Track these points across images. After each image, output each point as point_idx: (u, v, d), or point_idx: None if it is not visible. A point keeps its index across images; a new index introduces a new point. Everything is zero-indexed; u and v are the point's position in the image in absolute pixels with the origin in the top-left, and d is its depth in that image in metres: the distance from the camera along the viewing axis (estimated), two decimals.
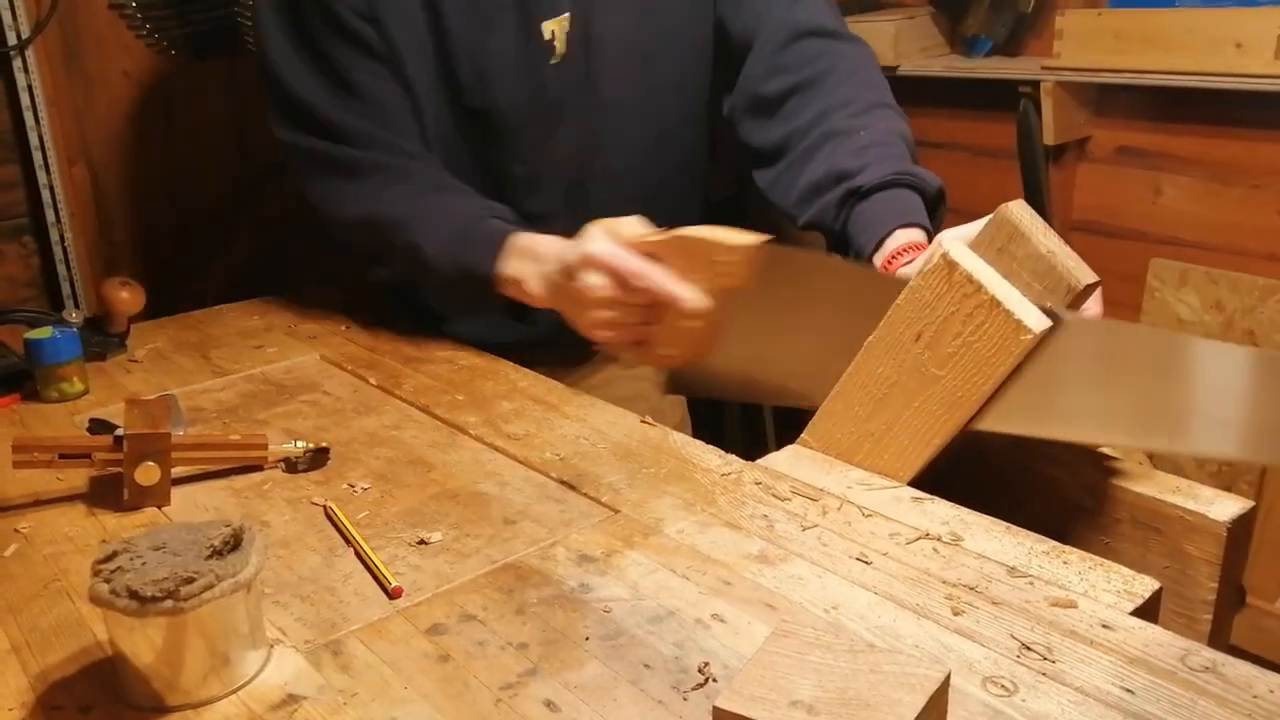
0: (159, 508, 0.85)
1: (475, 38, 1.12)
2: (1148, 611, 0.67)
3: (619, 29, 1.17)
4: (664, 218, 0.93)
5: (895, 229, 0.98)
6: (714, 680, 0.61)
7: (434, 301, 1.22)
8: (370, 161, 1.13)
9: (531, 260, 1.02)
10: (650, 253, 0.90)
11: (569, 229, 0.98)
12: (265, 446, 0.91)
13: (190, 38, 1.61)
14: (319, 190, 1.18)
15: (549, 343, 1.23)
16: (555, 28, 1.13)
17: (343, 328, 1.29)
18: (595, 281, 0.91)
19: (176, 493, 0.87)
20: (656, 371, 1.32)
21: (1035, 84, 1.79)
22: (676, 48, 1.22)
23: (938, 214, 1.04)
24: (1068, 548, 0.73)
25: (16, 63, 1.45)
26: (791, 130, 1.13)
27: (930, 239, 0.98)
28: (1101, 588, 0.68)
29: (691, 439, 0.94)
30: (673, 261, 0.89)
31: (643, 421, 0.98)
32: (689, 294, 0.87)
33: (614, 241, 0.91)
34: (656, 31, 1.19)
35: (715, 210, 1.21)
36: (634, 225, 0.93)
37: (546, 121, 1.17)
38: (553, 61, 1.14)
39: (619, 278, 0.90)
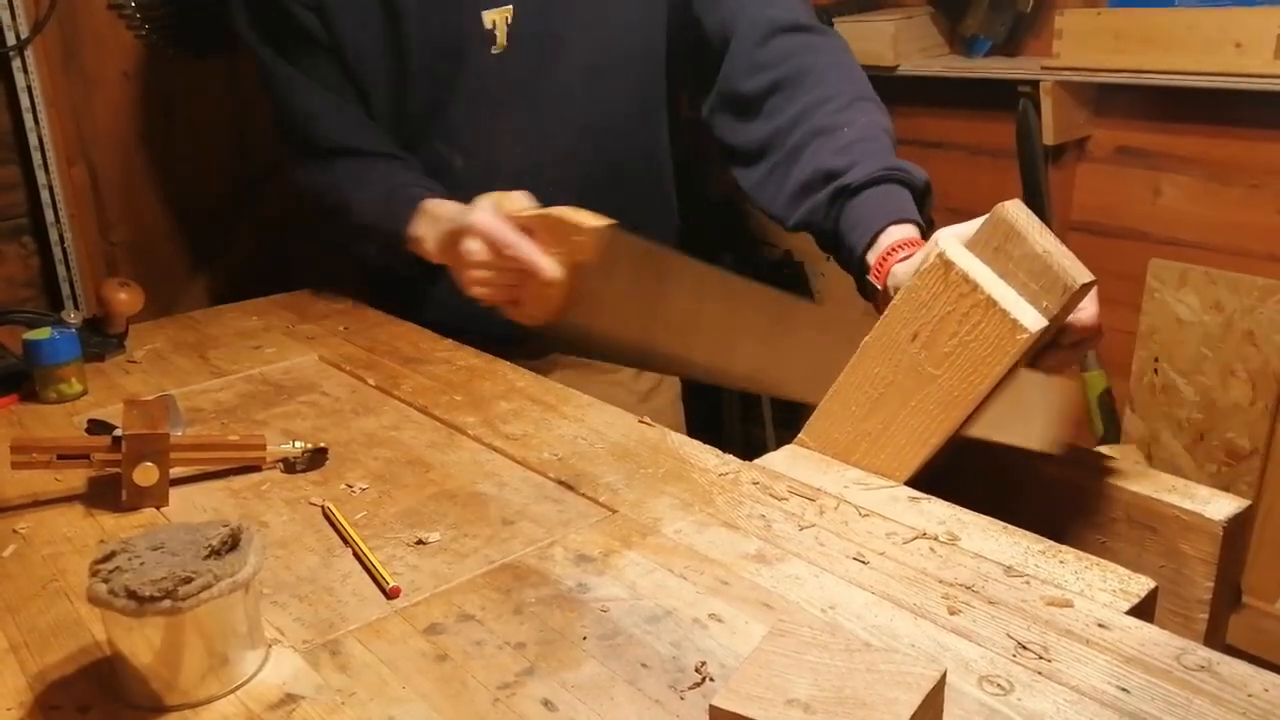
0: (157, 508, 0.86)
1: (423, 22, 1.17)
2: (1143, 611, 0.67)
3: (564, 25, 1.18)
4: (625, 214, 1.00)
5: (887, 225, 0.98)
6: (711, 679, 0.61)
7: (356, 253, 1.34)
8: (325, 143, 1.26)
9: (431, 222, 1.15)
10: (524, 226, 1.02)
11: None
12: (263, 447, 0.91)
13: (190, 38, 1.61)
14: (294, 170, 1.32)
15: (515, 341, 1.24)
16: (496, 18, 1.16)
17: (341, 328, 1.30)
18: (473, 247, 1.04)
19: (175, 493, 0.87)
20: (637, 380, 1.36)
21: (1034, 84, 1.79)
22: (627, 47, 1.23)
23: (925, 207, 1.04)
24: (1064, 547, 0.73)
25: (16, 63, 1.45)
26: (775, 129, 1.13)
27: (922, 234, 0.98)
28: (1097, 587, 0.68)
29: (689, 439, 0.94)
30: (540, 235, 1.02)
31: (640, 421, 0.98)
32: (548, 264, 1.00)
33: (495, 213, 1.03)
34: (605, 30, 1.20)
35: (713, 209, 1.21)
36: (519, 200, 1.05)
37: (487, 112, 1.20)
38: (493, 51, 1.16)
39: (493, 245, 1.02)
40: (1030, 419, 0.80)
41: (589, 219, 1.00)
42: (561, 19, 1.18)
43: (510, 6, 1.16)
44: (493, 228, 1.02)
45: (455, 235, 1.06)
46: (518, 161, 1.23)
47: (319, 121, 1.25)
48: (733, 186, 1.21)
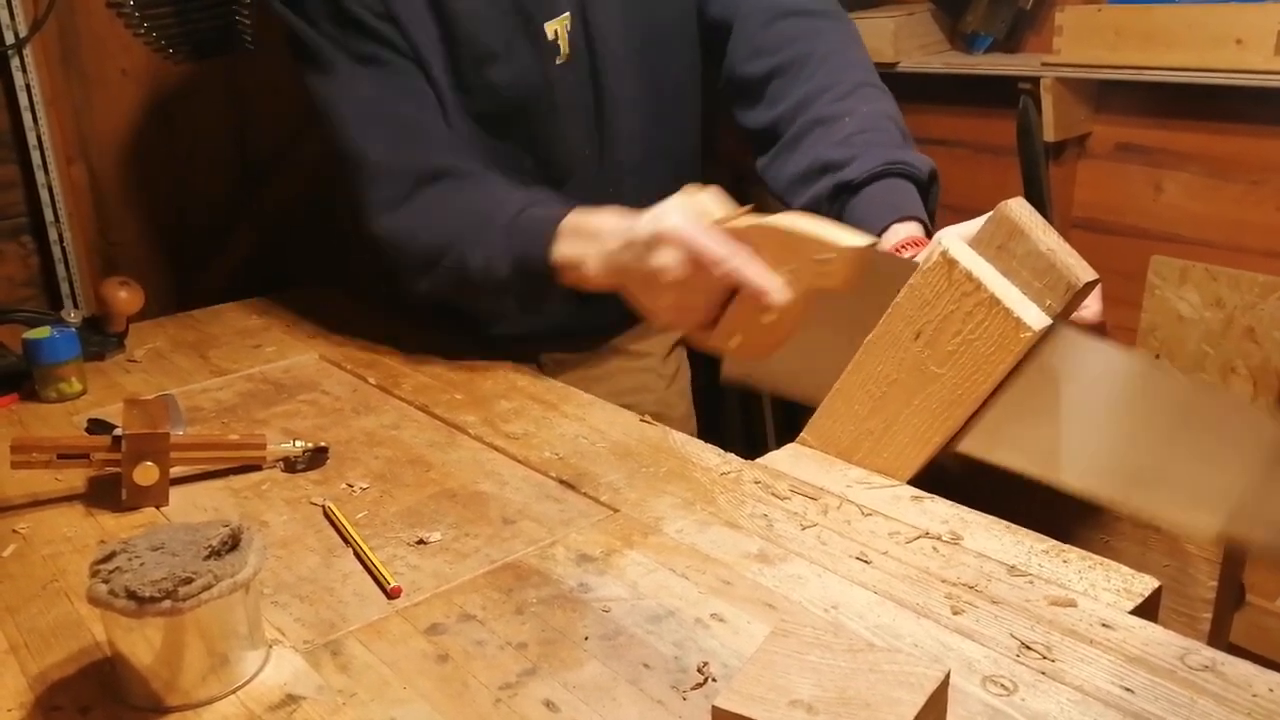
0: (157, 508, 0.85)
1: (482, 41, 1.11)
2: (1147, 610, 0.67)
3: (615, 23, 1.17)
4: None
5: (891, 224, 0.97)
6: (713, 680, 0.61)
7: (486, 312, 1.18)
8: (416, 167, 1.09)
9: (589, 239, 0.95)
10: (739, 236, 0.81)
11: None
12: (264, 446, 0.91)
13: (189, 37, 1.61)
14: (374, 219, 1.12)
15: (557, 333, 1.23)
16: (558, 28, 1.13)
17: (342, 327, 1.29)
18: (668, 261, 0.82)
19: (175, 493, 0.87)
20: (665, 363, 1.31)
21: (1035, 80, 1.78)
22: (672, 38, 1.22)
23: (931, 197, 1.03)
24: (1067, 546, 0.73)
25: (14, 62, 1.45)
26: (777, 115, 1.12)
27: (926, 229, 0.98)
28: (1101, 586, 0.68)
29: (691, 438, 0.94)
30: (759, 250, 0.80)
31: (642, 420, 0.98)
32: (777, 288, 0.77)
33: (693, 219, 0.82)
34: (651, 23, 1.19)
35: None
36: (716, 203, 0.84)
37: (554, 120, 1.17)
38: (558, 62, 1.14)
39: (696, 260, 0.80)
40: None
41: (842, 235, 0.77)
42: (606, 16, 1.17)
43: (568, 14, 1.13)
44: (699, 238, 0.80)
45: (638, 249, 0.86)
46: (593, 159, 1.19)
47: (406, 143, 1.09)
48: (729, 181, 1.21)
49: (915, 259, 0.91)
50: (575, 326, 1.23)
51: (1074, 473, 0.77)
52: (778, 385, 0.95)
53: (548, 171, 1.18)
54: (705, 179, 0.88)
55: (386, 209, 1.08)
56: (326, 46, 1.09)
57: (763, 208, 0.84)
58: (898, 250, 0.96)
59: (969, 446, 0.81)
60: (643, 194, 0.95)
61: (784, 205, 1.14)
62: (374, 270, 1.32)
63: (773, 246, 0.79)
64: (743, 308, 0.80)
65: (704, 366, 1.44)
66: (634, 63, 1.19)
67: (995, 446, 0.80)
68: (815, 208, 1.07)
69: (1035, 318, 0.76)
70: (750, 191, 1.28)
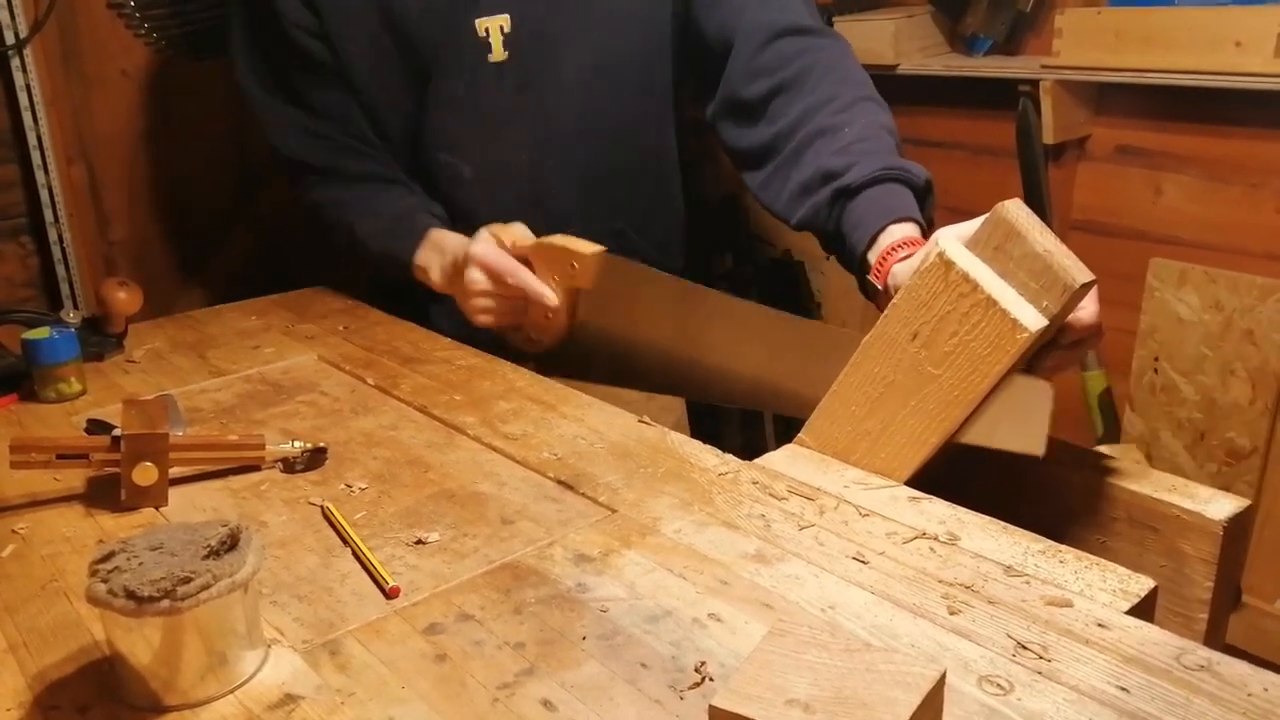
0: (156, 508, 0.85)
1: (421, 31, 1.16)
2: (1143, 610, 0.67)
3: (565, 30, 1.18)
4: (633, 221, 1.00)
5: (888, 225, 0.98)
6: (711, 679, 0.61)
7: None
8: (334, 171, 1.28)
9: (436, 252, 1.18)
10: (523, 255, 1.08)
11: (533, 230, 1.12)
12: (263, 447, 0.91)
13: (189, 38, 1.61)
14: (297, 184, 1.34)
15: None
16: (490, 26, 1.15)
17: (340, 328, 1.30)
18: (476, 277, 1.09)
19: (174, 493, 0.87)
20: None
21: (1034, 83, 1.78)
22: (629, 50, 1.23)
23: (927, 205, 1.04)
24: (1064, 547, 0.73)
25: (14, 62, 1.45)
26: (776, 132, 1.13)
27: (922, 232, 0.98)
28: (1097, 587, 0.68)
29: (689, 438, 0.94)
30: (539, 264, 1.08)
31: (640, 421, 0.98)
32: (547, 292, 1.06)
33: (495, 244, 1.08)
34: (606, 33, 1.20)
35: (713, 214, 1.22)
36: (517, 230, 1.10)
37: (491, 121, 1.20)
38: (491, 60, 1.16)
39: (494, 275, 1.08)
40: (1019, 422, 0.80)
41: (584, 246, 1.05)
42: (562, 23, 1.18)
43: (507, 15, 1.16)
44: (493, 258, 1.07)
45: (458, 266, 1.11)
46: (525, 169, 1.23)
47: (324, 146, 1.27)
48: (733, 186, 1.22)
49: (911, 260, 0.91)
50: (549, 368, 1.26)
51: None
52: (585, 373, 1.15)
53: (486, 179, 1.25)
54: (679, 193, 1.04)
55: (304, 182, 1.32)
56: (251, 80, 1.28)
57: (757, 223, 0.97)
58: (893, 250, 0.96)
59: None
60: (591, 204, 1.08)
61: (781, 221, 1.15)
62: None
63: (545, 261, 1.08)
64: (533, 311, 1.09)
65: None
66: (583, 76, 1.21)
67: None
68: (815, 216, 1.08)
69: (1032, 319, 0.76)
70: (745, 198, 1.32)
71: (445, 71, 1.19)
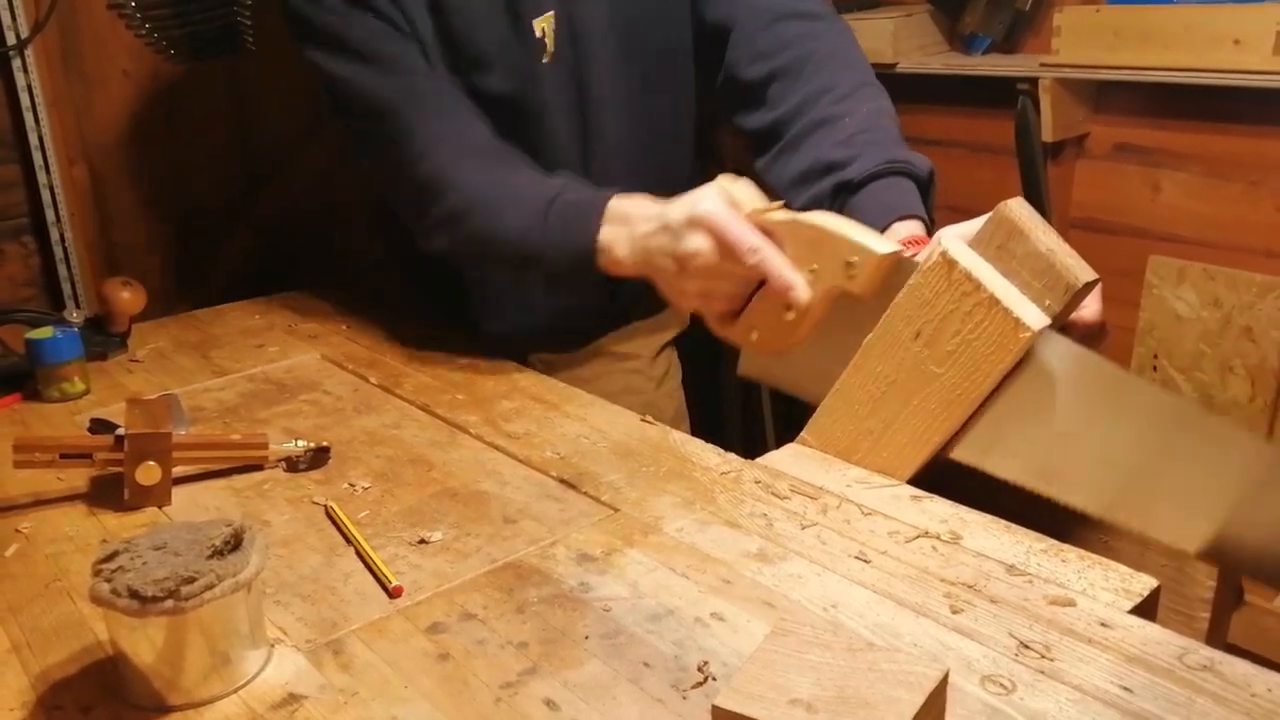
0: (160, 507, 0.86)
1: (472, 34, 1.12)
2: (1146, 610, 0.67)
3: (599, 23, 1.17)
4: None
5: (892, 222, 0.98)
6: (713, 679, 0.61)
7: (479, 303, 1.21)
8: (420, 116, 1.08)
9: (622, 223, 0.95)
10: (768, 230, 0.82)
11: None
12: (266, 446, 0.91)
13: (190, 38, 1.61)
14: (381, 170, 1.14)
15: (544, 333, 1.23)
16: (544, 25, 1.14)
17: (343, 327, 1.30)
18: (700, 245, 0.83)
19: (177, 492, 0.87)
20: (653, 365, 1.32)
21: (1033, 81, 1.79)
22: (656, 38, 1.22)
23: (930, 196, 1.04)
24: (1066, 546, 0.73)
25: (16, 62, 1.45)
26: (777, 117, 1.12)
27: (926, 228, 0.98)
28: (1100, 586, 0.68)
29: (691, 437, 0.94)
30: (792, 246, 0.80)
31: (643, 420, 0.98)
32: (800, 286, 0.79)
33: (728, 207, 0.83)
34: (634, 22, 1.20)
35: None
36: (750, 195, 0.84)
37: (539, 119, 1.18)
38: (544, 60, 1.14)
39: (727, 247, 0.81)
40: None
41: (873, 240, 0.78)
42: (594, 17, 1.17)
43: (552, 12, 1.13)
44: (733, 226, 0.81)
45: (671, 231, 0.86)
46: (574, 166, 1.18)
47: (448, 117, 1.09)
48: (736, 174, 1.21)
49: (916, 258, 0.91)
50: (560, 327, 1.23)
51: (1063, 485, 0.77)
52: (790, 385, 0.95)
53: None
54: (699, 180, 0.89)
55: (430, 158, 1.07)
56: (337, 24, 1.07)
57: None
58: None
59: (962, 454, 0.81)
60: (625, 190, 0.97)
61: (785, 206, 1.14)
62: (377, 266, 1.32)
63: (800, 244, 0.80)
64: (765, 302, 0.81)
65: (705, 366, 1.44)
66: (618, 63, 1.19)
67: (988, 454, 0.80)
68: (815, 207, 1.07)
69: (1034, 318, 0.76)
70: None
71: (492, 69, 1.13)
